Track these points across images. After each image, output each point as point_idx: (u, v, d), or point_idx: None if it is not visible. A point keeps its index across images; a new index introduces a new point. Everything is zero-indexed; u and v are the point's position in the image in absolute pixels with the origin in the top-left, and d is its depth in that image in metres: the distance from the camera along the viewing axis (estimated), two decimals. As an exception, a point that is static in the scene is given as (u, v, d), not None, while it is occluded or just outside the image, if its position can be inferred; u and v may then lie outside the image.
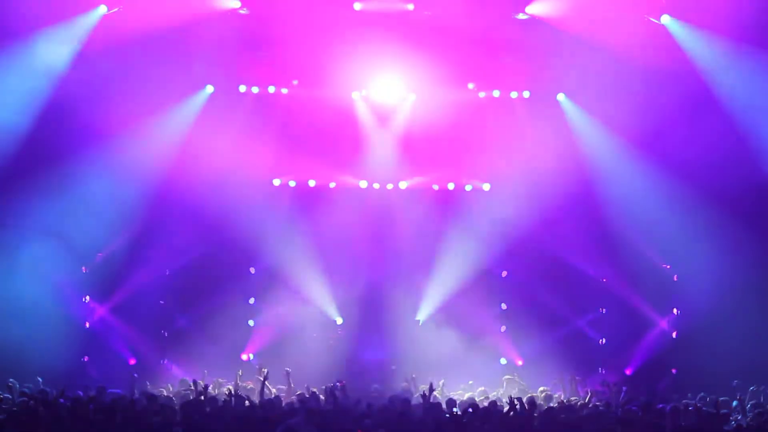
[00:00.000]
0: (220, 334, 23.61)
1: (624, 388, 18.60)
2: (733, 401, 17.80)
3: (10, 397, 16.67)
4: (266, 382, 17.81)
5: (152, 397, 16.25)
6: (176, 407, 15.59)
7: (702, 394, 18.77)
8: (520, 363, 23.85)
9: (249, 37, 22.62)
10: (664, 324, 24.03)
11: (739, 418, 16.06)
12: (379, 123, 24.17)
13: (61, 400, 15.89)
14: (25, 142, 21.45)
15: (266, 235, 23.97)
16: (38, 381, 18.75)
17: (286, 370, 19.27)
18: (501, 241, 24.17)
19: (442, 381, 19.70)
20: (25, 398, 16.20)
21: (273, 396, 17.37)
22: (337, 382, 17.78)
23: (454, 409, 16.01)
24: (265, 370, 18.50)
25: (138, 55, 21.70)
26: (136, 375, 19.85)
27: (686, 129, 22.28)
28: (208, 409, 15.50)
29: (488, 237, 24.23)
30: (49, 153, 21.94)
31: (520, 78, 23.73)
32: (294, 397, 17.52)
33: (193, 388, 16.76)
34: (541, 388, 19.49)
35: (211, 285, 24.21)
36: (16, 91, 21.21)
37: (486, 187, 24.72)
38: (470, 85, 24.05)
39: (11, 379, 18.01)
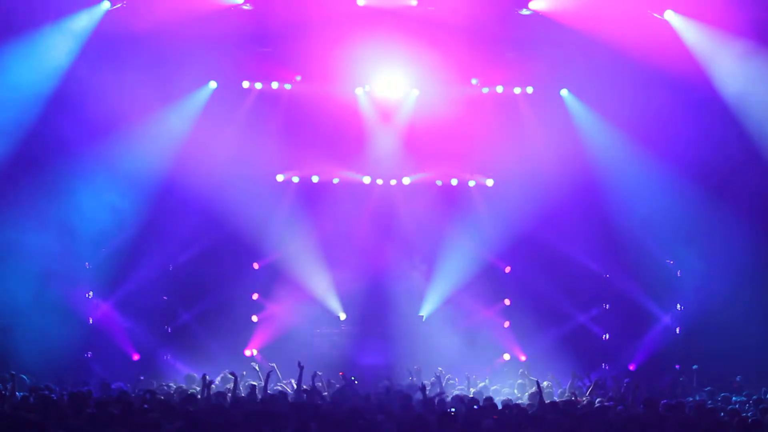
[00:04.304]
0: (223, 329, 23.66)
1: (626, 380, 18.62)
2: (736, 396, 17.84)
3: (24, 393, 16.63)
4: (271, 378, 17.81)
5: (154, 394, 16.24)
6: (179, 403, 15.61)
7: (709, 388, 18.80)
8: (523, 358, 23.87)
9: (252, 33, 22.60)
10: (667, 320, 24.02)
11: (742, 413, 16.05)
12: (383, 119, 24.18)
13: (65, 396, 15.93)
14: (30, 137, 21.44)
15: (270, 230, 24.02)
16: (42, 377, 18.78)
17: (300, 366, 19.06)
18: (504, 236, 24.20)
19: (447, 375, 19.72)
20: (29, 394, 16.25)
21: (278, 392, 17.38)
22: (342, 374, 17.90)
23: (452, 409, 15.98)
24: (273, 364, 18.52)
25: (141, 51, 21.70)
26: (142, 378, 19.80)
27: (689, 125, 22.27)
28: (212, 405, 15.51)
29: (491, 233, 24.27)
30: (53, 148, 21.94)
31: (523, 73, 23.74)
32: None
33: (201, 384, 16.75)
34: (545, 383, 19.49)
35: (215, 280, 24.24)
36: (20, 86, 21.20)
37: (489, 182, 24.75)
38: (473, 81, 24.08)
39: (22, 374, 18.08)
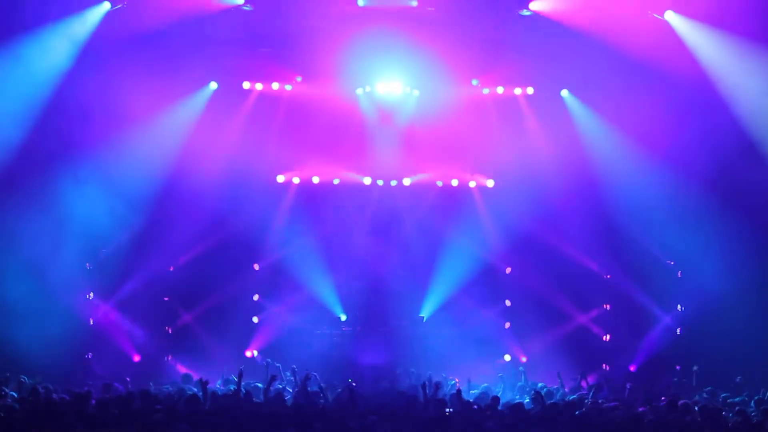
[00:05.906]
0: (224, 330, 23.67)
1: (628, 385, 18.60)
2: (736, 397, 17.82)
3: (24, 395, 16.61)
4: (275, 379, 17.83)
5: (148, 394, 16.18)
6: (179, 404, 15.59)
7: (709, 388, 18.79)
8: (524, 359, 23.87)
9: (253, 33, 22.62)
10: (668, 320, 24.01)
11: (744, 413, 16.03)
12: (383, 119, 24.16)
13: (65, 397, 15.92)
14: (31, 137, 21.44)
15: (270, 231, 24.03)
16: (42, 378, 18.77)
17: (293, 368, 19.15)
18: (505, 237, 24.22)
19: (454, 381, 19.74)
20: (29, 394, 16.25)
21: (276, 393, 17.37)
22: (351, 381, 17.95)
23: (449, 410, 15.98)
24: (278, 365, 18.56)
25: (142, 52, 21.70)
26: (128, 379, 19.75)
27: (690, 125, 22.27)
28: (212, 406, 15.50)
29: (492, 233, 24.26)
30: (54, 148, 21.95)
31: (523, 74, 23.74)
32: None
33: (199, 385, 16.74)
34: (542, 385, 19.47)
35: (216, 281, 24.21)
36: (21, 87, 21.21)
37: (490, 183, 24.74)
38: (474, 82, 24.07)
39: (22, 375, 18.07)
